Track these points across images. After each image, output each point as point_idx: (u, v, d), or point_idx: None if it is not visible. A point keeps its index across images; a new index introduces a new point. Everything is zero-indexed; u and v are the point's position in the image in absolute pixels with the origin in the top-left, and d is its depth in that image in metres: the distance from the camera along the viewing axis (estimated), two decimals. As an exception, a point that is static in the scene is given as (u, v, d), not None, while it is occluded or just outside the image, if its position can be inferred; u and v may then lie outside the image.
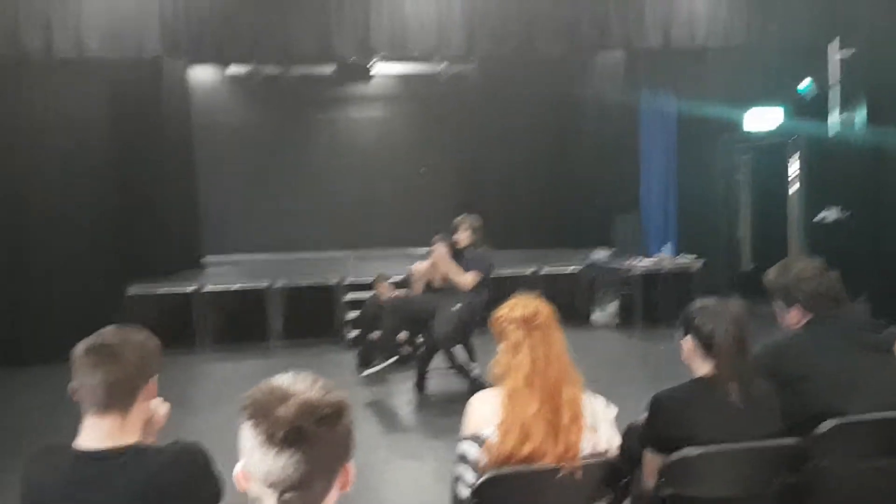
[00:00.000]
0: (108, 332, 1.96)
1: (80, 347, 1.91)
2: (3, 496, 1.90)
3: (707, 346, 2.33)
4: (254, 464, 1.28)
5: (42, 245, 7.88)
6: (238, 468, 1.32)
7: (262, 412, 1.28)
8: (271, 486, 1.27)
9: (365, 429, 5.38)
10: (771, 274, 2.82)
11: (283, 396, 1.29)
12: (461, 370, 6.02)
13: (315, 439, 1.27)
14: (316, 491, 1.29)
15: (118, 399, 1.88)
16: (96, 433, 1.87)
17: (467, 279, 5.94)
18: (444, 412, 5.57)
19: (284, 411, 1.27)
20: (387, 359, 6.37)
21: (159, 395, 2.06)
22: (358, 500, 3.88)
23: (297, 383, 1.33)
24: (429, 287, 6.43)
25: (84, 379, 1.88)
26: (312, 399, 1.30)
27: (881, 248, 7.61)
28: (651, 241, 9.40)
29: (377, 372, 6.42)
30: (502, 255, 8.76)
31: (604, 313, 9.04)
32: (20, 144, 7.81)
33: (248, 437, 1.29)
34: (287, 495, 1.27)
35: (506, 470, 2.15)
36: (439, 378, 6.59)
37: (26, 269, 7.83)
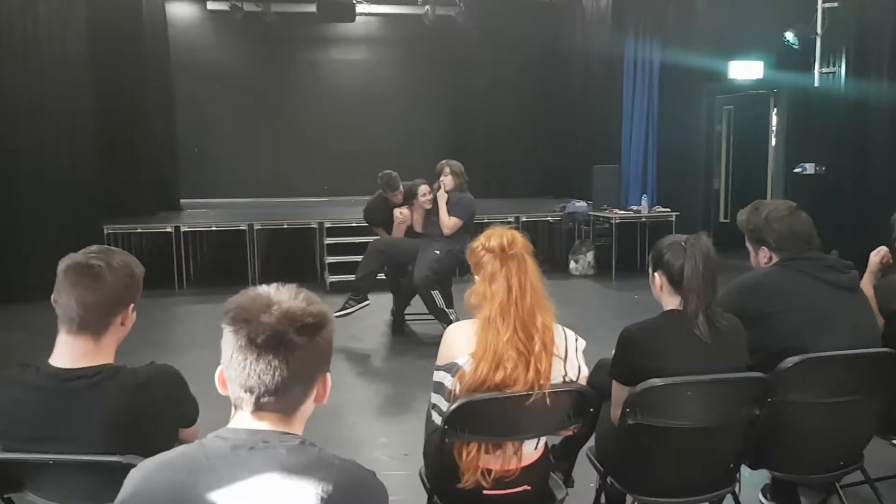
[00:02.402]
0: (94, 252, 1.93)
1: (63, 262, 1.90)
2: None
3: (676, 280, 2.37)
4: (233, 367, 1.30)
5: (21, 183, 7.75)
6: (219, 371, 1.35)
7: (244, 317, 1.30)
8: (248, 390, 1.30)
9: (341, 371, 5.44)
10: (742, 215, 2.85)
11: (266, 304, 1.31)
12: (440, 314, 6.08)
13: (295, 347, 1.29)
14: (292, 398, 1.32)
15: (91, 322, 1.88)
16: (69, 352, 1.88)
17: (450, 222, 6.00)
18: (421, 355, 5.64)
19: (267, 317, 1.29)
20: (360, 302, 6.28)
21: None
22: (334, 437, 3.99)
23: (280, 293, 1.35)
24: (410, 231, 6.44)
25: (61, 296, 1.88)
26: (295, 308, 1.32)
27: (857, 204, 7.69)
28: (629, 193, 9.47)
29: (350, 314, 6.27)
30: (485, 203, 8.80)
31: (581, 263, 9.14)
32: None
33: (229, 342, 1.31)
34: (264, 399, 1.30)
35: (477, 396, 2.20)
36: (417, 323, 6.66)
37: (7, 206, 7.69)
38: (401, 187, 6.38)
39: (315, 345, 1.33)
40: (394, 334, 6.50)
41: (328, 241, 8.68)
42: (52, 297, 1.89)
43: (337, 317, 6.12)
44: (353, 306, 6.23)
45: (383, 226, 6.64)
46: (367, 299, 6.35)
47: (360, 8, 10.78)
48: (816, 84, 8.29)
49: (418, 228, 6.34)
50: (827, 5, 8.12)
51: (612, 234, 8.87)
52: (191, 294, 8.29)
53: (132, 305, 1.98)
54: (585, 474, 2.73)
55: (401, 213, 6.37)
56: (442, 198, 6.10)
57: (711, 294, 2.36)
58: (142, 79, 9.43)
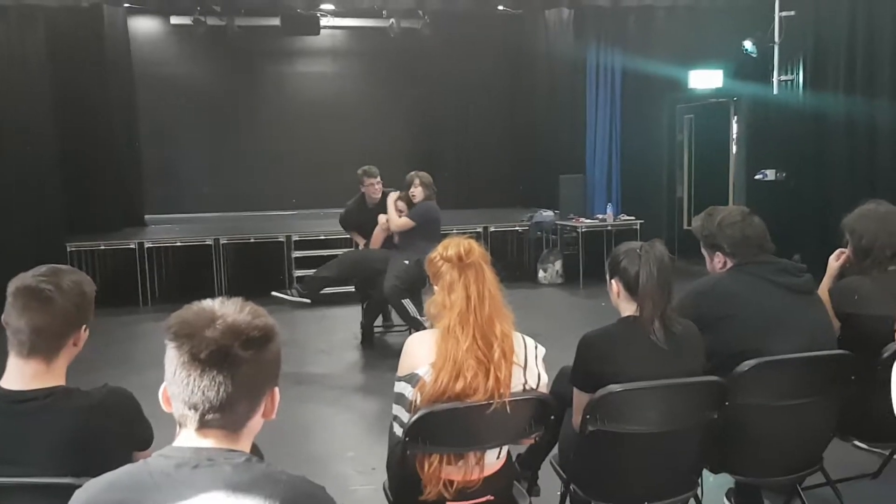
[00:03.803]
0: (43, 275, 1.89)
1: (12, 284, 1.86)
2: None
3: (631, 287, 2.40)
4: (176, 384, 1.27)
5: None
6: (163, 388, 1.32)
7: (186, 332, 1.27)
8: (193, 407, 1.26)
9: (309, 384, 5.38)
10: (696, 221, 2.90)
11: (210, 318, 1.28)
12: (414, 323, 6.05)
13: (240, 361, 1.26)
14: (238, 414, 1.29)
15: (43, 346, 1.85)
16: (20, 375, 1.85)
17: (399, 221, 6.07)
18: (390, 368, 5.59)
19: (211, 332, 1.26)
20: (301, 297, 6.12)
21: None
22: (302, 452, 3.95)
23: (225, 306, 1.32)
24: (388, 241, 6.42)
25: (11, 319, 1.84)
26: (240, 321, 1.29)
27: (818, 209, 7.84)
28: (595, 202, 9.57)
29: (283, 300, 6.09)
30: (453, 214, 8.81)
31: (549, 272, 9.19)
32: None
33: (172, 358, 1.28)
34: (209, 416, 1.27)
35: (438, 407, 2.20)
36: (386, 336, 6.64)
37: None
38: (378, 177, 6.46)
39: (261, 359, 1.30)
40: (363, 347, 6.47)
41: (296, 254, 8.64)
42: (3, 318, 1.86)
43: (273, 294, 6.04)
44: (293, 296, 6.14)
45: (358, 230, 6.65)
46: (309, 300, 6.20)
47: (324, 21, 10.76)
48: (775, 92, 8.46)
49: (395, 238, 6.34)
50: (784, 14, 8.30)
51: (579, 243, 8.95)
52: (155, 311, 8.16)
53: (84, 325, 1.94)
54: (550, 483, 2.74)
55: (387, 221, 6.34)
56: (392, 200, 6.14)
57: (666, 300, 2.39)
58: (104, 94, 9.31)
